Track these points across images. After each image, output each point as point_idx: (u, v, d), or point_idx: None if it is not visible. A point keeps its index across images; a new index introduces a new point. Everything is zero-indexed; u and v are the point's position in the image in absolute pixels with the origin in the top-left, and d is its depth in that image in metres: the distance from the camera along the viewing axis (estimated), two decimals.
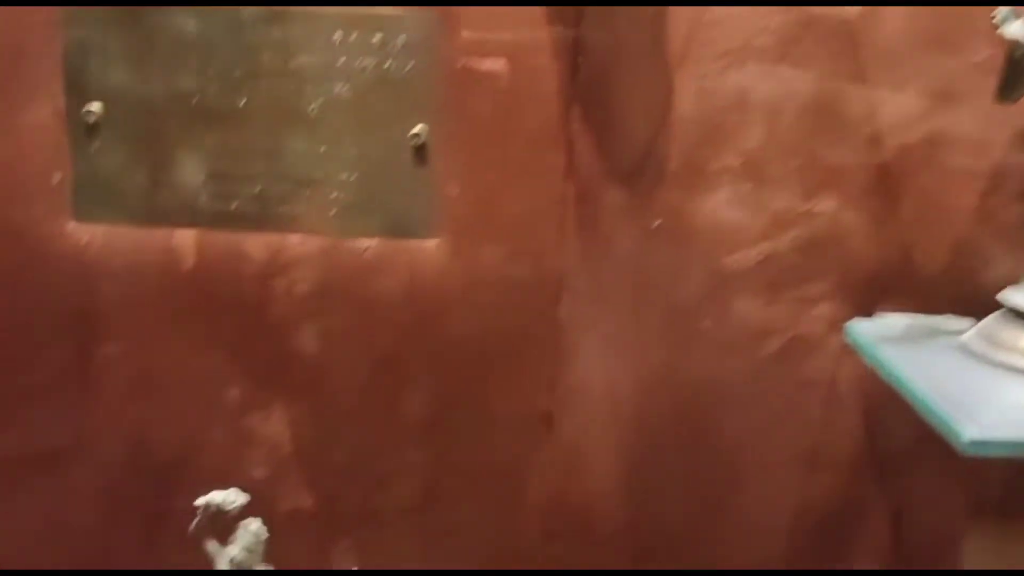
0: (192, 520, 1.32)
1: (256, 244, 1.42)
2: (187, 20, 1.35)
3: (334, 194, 1.40)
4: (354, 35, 1.35)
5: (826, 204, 1.38)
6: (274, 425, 1.47)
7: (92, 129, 1.38)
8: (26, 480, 1.48)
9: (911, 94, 1.34)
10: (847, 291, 1.41)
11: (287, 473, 1.48)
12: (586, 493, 1.49)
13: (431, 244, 1.41)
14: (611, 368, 1.45)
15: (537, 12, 1.34)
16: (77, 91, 1.37)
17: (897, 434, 1.45)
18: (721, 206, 1.38)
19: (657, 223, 1.39)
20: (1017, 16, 1.14)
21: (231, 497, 1.32)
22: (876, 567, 1.51)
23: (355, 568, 1.36)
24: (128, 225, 1.41)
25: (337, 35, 1.35)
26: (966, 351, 1.26)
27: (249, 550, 1.33)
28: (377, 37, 1.35)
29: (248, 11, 1.35)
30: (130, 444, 1.47)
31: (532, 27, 1.34)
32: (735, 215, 1.39)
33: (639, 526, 1.50)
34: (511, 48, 1.35)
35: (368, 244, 1.41)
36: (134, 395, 1.45)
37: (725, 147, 1.37)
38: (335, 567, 1.47)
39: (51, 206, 1.40)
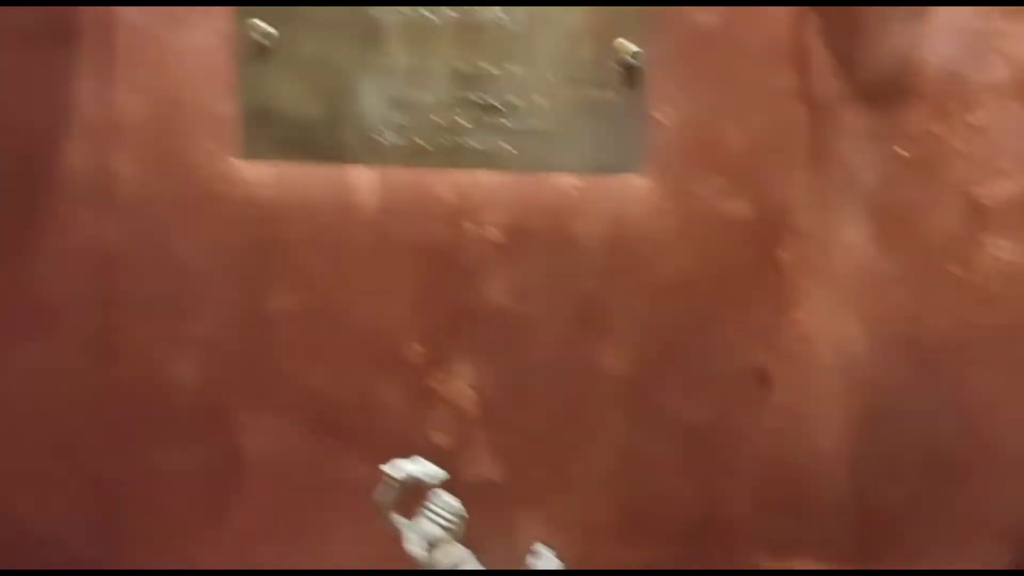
0: (371, 488, 1.06)
1: (442, 182, 1.13)
2: None
3: (531, 123, 1.11)
4: None
5: None
6: (459, 385, 1.18)
7: (261, 52, 1.10)
8: (184, 439, 1.22)
9: None
10: None
11: (472, 438, 1.19)
12: (806, 460, 1.18)
13: (639, 179, 1.12)
14: (840, 318, 1.14)
15: None
16: (245, 8, 1.10)
17: None
18: (982, 128, 1.07)
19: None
20: None
21: (431, 471, 1.05)
22: None
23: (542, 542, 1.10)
24: (301, 162, 1.13)
25: None
26: None
27: (448, 528, 1.06)
28: None
29: None
30: (302, 404, 1.20)
31: None
32: (998, 139, 1.08)
33: (865, 498, 1.19)
34: None
35: (569, 181, 1.12)
36: (307, 349, 1.18)
37: (992, 57, 1.06)
38: (524, 541, 1.19)
39: (217, 140, 1.13)
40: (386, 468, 1.06)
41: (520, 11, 1.08)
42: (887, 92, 1.07)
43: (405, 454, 1.08)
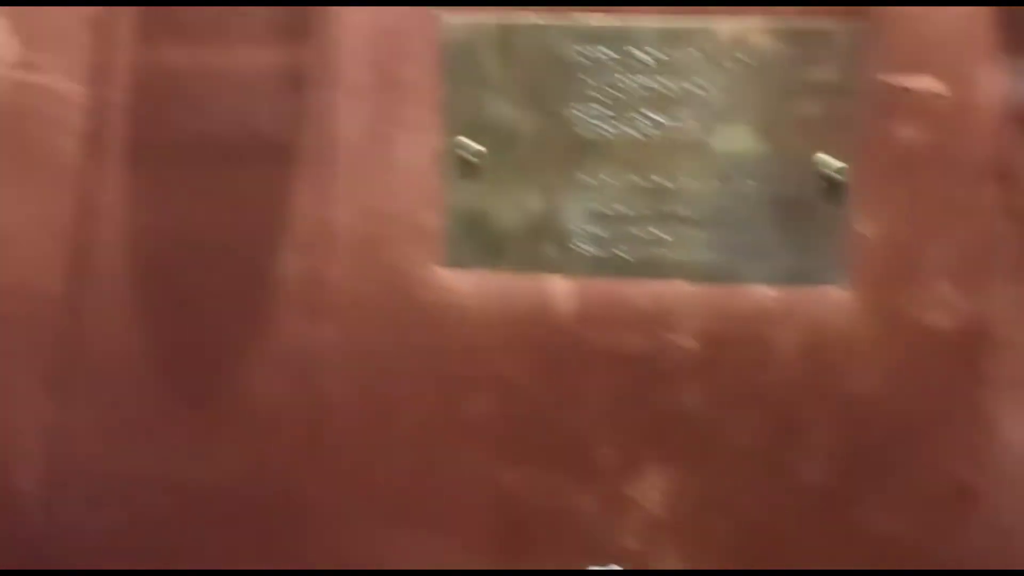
0: None
1: (639, 292, 1.12)
2: (569, 45, 1.09)
3: (730, 235, 1.10)
4: (757, 54, 1.06)
5: None
6: (650, 491, 1.16)
7: (467, 168, 1.13)
8: (382, 532, 1.22)
9: None
10: None
11: (663, 545, 1.17)
12: None
13: (839, 291, 1.09)
14: None
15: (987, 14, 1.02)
16: (453, 126, 1.12)
17: None
18: None
19: None
20: None
21: None
22: None
23: None
24: (501, 271, 1.15)
25: (739, 54, 1.06)
26: None
27: None
28: (784, 53, 1.06)
29: (640, 31, 1.07)
30: (493, 505, 1.19)
31: (974, 43, 1.02)
32: None
33: None
34: (951, 63, 1.03)
35: (766, 292, 1.11)
36: (501, 451, 1.18)
37: None
38: None
39: (422, 250, 1.15)
40: None
41: (722, 129, 1.07)
42: None
43: (596, 559, 1.07)
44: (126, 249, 1.19)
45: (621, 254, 1.12)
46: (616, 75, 1.08)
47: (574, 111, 1.10)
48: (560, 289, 1.14)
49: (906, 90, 1.03)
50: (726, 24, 1.06)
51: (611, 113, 1.09)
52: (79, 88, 1.15)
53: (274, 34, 1.11)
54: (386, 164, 1.13)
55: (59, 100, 1.16)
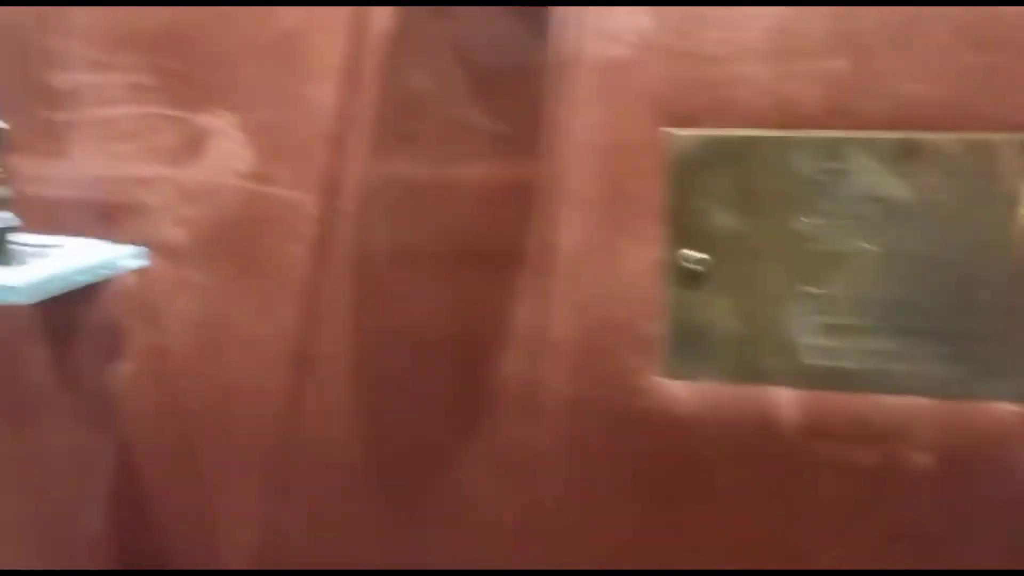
0: None
1: (868, 404, 1.09)
2: (799, 157, 1.07)
3: (967, 349, 1.05)
4: (995, 165, 1.03)
5: None
6: None
7: (690, 278, 1.12)
8: None
9: None
10: None
11: None
12: None
13: None
14: None
15: None
16: (677, 237, 1.11)
17: None
18: None
19: None
20: None
21: None
22: None
23: None
24: (723, 382, 1.13)
25: (975, 166, 1.03)
26: None
27: None
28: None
29: (872, 143, 1.05)
30: None
31: None
32: None
33: None
34: None
35: (1008, 408, 1.06)
36: (718, 561, 1.15)
37: None
38: None
39: (642, 359, 1.14)
40: None
41: (958, 240, 1.04)
42: None
43: None
44: (349, 350, 1.21)
45: (850, 366, 1.09)
46: (847, 187, 1.06)
47: (802, 222, 1.08)
48: (784, 400, 1.11)
49: None
50: (959, 136, 1.03)
51: (841, 224, 1.07)
52: (309, 198, 1.19)
53: (503, 149, 1.13)
54: (609, 273, 1.13)
55: (290, 209, 1.19)
